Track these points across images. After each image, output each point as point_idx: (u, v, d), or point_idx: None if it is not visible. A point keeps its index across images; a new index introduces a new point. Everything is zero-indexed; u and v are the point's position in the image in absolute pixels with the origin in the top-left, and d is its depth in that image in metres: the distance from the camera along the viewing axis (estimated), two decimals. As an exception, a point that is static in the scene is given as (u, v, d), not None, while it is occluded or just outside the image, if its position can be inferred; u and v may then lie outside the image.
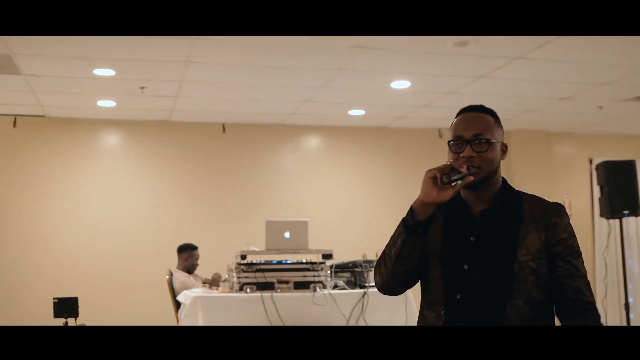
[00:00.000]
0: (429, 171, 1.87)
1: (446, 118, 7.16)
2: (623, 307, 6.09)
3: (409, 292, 4.58)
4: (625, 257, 6.36)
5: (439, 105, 6.58)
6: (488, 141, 1.92)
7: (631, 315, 6.53)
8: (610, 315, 7.54)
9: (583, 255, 1.92)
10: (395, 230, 1.94)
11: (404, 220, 1.91)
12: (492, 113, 2.03)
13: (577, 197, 7.97)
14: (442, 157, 6.72)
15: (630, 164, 6.18)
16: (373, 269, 4.61)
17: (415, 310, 4.58)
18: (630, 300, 7.25)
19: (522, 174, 7.68)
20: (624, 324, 6.30)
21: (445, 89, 5.97)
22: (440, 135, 7.70)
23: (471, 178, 1.85)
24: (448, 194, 1.84)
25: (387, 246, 1.95)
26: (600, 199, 6.26)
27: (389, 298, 4.48)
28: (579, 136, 8.03)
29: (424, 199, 1.86)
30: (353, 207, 7.47)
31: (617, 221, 6.23)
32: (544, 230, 1.88)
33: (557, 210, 1.92)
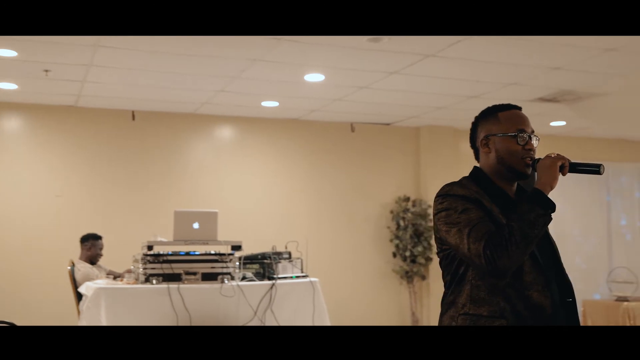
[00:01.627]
0: (556, 159, 1.98)
1: (359, 112, 7.26)
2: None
3: (317, 282, 4.64)
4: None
5: (352, 100, 6.65)
6: (538, 138, 2.11)
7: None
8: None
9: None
10: (525, 213, 1.91)
11: (541, 203, 1.92)
12: None
13: (482, 193, 8.26)
14: (354, 150, 6.83)
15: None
16: (281, 261, 4.63)
17: (322, 301, 4.62)
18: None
19: (430, 168, 7.89)
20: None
21: (359, 83, 6.04)
22: (353, 130, 7.79)
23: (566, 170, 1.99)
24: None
25: (519, 227, 1.89)
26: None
27: (297, 289, 4.52)
28: (485, 134, 8.30)
29: (552, 184, 1.96)
30: (264, 198, 7.45)
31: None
32: None
33: None
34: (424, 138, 7.97)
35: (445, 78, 5.87)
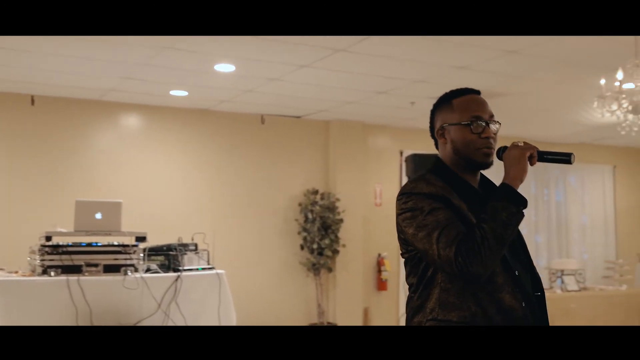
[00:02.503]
0: (524, 149, 1.86)
1: (270, 104, 7.24)
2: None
3: (223, 274, 4.60)
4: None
5: (262, 91, 6.62)
6: (499, 124, 1.98)
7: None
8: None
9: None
10: (497, 212, 1.78)
11: (513, 200, 1.80)
12: None
13: (389, 186, 8.44)
14: (264, 142, 6.81)
15: (435, 158, 6.64)
16: (187, 253, 4.56)
17: (229, 293, 4.58)
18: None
19: (339, 162, 7.98)
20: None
21: (270, 75, 6.02)
22: (263, 121, 7.75)
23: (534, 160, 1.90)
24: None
25: (492, 229, 1.75)
26: (408, 189, 6.67)
27: (202, 281, 4.46)
28: (392, 129, 8.49)
29: (522, 177, 1.84)
30: (171, 189, 7.30)
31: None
32: None
33: None
34: (334, 132, 8.05)
35: (355, 73, 5.94)
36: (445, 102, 2.01)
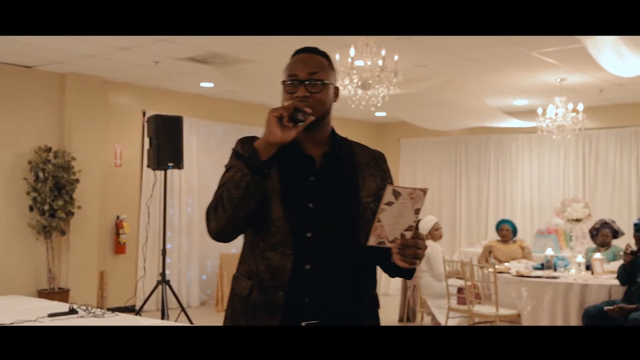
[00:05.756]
0: (273, 110, 1.78)
1: (-5, 50, 6.51)
2: (161, 252, 6.50)
3: None
4: (167, 206, 6.79)
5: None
6: (322, 82, 1.92)
7: (168, 260, 7.02)
8: (149, 259, 7.97)
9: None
10: (231, 172, 1.84)
11: (247, 160, 1.80)
12: (325, 55, 2.02)
13: (129, 147, 8.17)
14: (32, 98, 6.13)
15: (178, 120, 6.59)
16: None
17: None
18: (168, 246, 7.82)
19: (76, 119, 7.50)
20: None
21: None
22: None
23: (312, 118, 1.83)
24: (291, 134, 1.79)
25: (225, 189, 1.81)
26: (148, 150, 6.54)
27: None
28: (135, 88, 8.20)
29: (268, 139, 1.78)
30: None
31: (162, 172, 6.61)
32: (379, 175, 1.99)
33: (384, 158, 2.07)
34: (70, 86, 7.52)
35: (96, 25, 5.59)
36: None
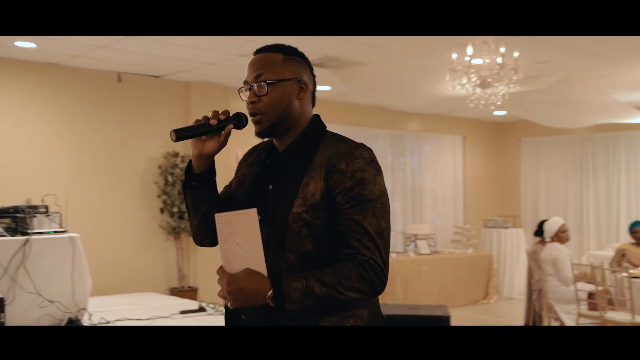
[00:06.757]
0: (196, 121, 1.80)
1: (127, 62, 6.95)
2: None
3: (77, 238, 4.41)
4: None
5: (118, 48, 6.34)
6: (266, 82, 1.74)
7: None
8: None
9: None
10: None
11: (185, 173, 1.83)
12: (282, 49, 1.80)
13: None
14: (121, 101, 6.59)
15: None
16: (37, 215, 4.31)
17: (84, 257, 4.41)
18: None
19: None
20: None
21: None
22: (120, 80, 7.44)
23: (230, 126, 1.80)
24: (214, 145, 1.78)
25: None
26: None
27: (54, 245, 4.26)
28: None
29: (192, 152, 1.78)
30: (18, 147, 6.83)
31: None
32: (327, 178, 1.69)
33: (349, 154, 1.70)
34: (195, 94, 7.89)
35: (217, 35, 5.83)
36: None
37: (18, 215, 4.25)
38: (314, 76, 1.87)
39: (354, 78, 7.45)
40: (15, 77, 6.85)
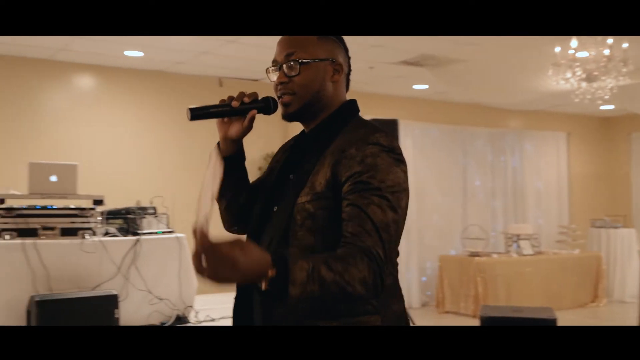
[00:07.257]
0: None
1: (227, 67, 7.15)
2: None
3: (184, 238, 4.58)
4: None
5: (219, 54, 6.53)
6: (297, 62, 1.62)
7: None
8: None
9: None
10: None
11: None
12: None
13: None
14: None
15: (394, 123, 6.68)
16: (146, 216, 4.52)
17: (189, 257, 4.57)
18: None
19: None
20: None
21: (226, 37, 5.94)
22: (221, 84, 7.66)
23: (254, 112, 1.69)
24: (238, 128, 1.68)
25: None
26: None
27: (162, 245, 4.44)
28: (350, 93, 8.47)
29: (219, 134, 1.69)
30: (128, 152, 7.19)
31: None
32: (335, 164, 1.52)
33: (363, 140, 1.53)
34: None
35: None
36: None
37: (129, 216, 4.47)
38: (349, 58, 1.72)
39: (452, 76, 7.33)
40: (125, 85, 7.21)
